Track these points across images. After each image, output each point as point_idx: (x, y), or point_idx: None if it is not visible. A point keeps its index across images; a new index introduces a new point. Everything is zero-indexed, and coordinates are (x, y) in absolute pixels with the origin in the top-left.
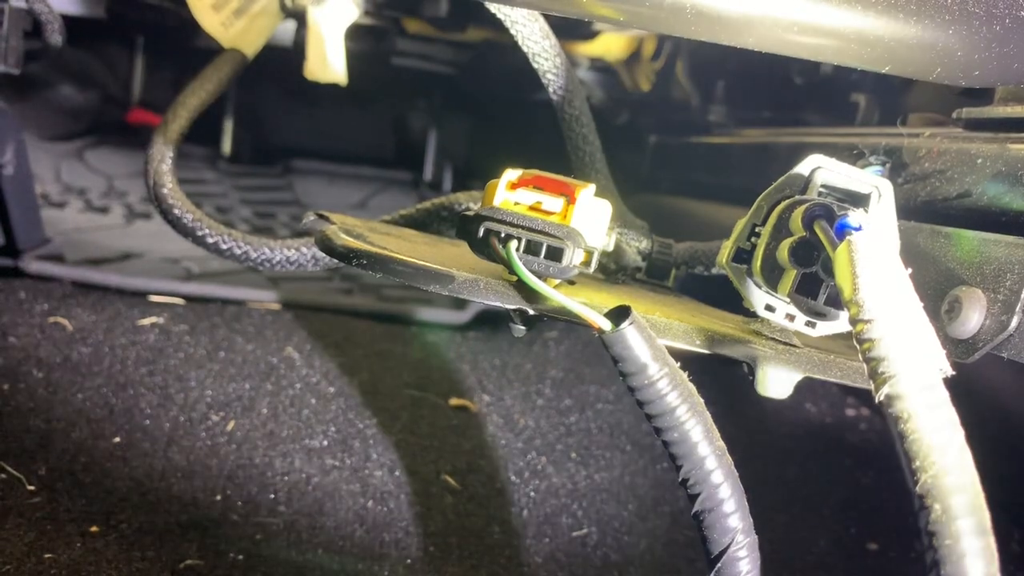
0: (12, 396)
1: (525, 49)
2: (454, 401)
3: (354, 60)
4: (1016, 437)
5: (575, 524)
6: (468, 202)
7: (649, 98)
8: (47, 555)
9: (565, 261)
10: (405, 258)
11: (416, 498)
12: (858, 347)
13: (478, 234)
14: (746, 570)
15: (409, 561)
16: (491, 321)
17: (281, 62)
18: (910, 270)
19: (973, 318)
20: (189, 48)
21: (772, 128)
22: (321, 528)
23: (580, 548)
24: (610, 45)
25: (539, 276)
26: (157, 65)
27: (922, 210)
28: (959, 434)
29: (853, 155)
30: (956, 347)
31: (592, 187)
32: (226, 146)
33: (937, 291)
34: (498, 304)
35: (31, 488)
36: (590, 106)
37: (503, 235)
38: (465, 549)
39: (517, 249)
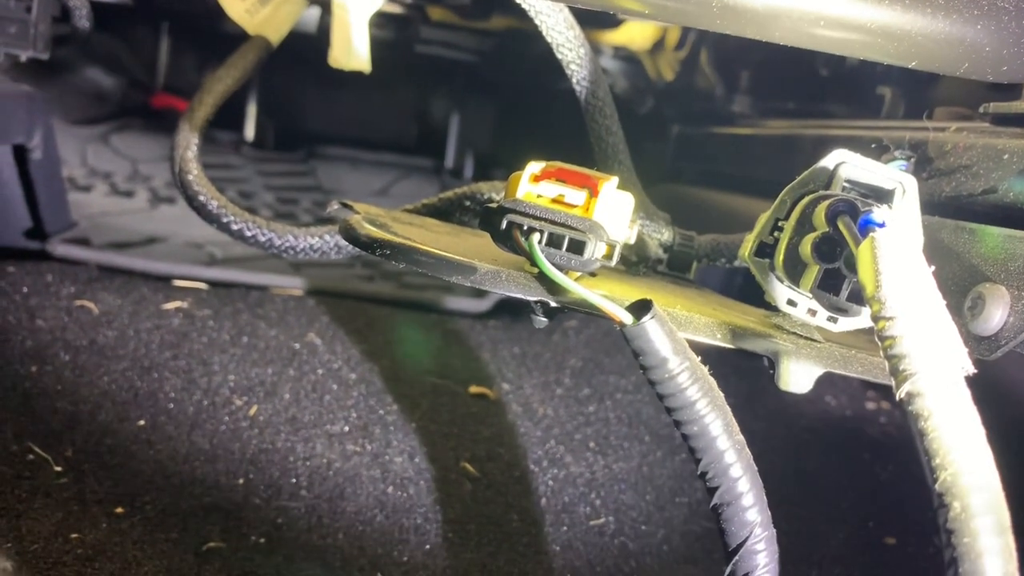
0: (39, 378)
1: (549, 39)
2: (474, 389)
3: (378, 48)
4: None
5: (593, 513)
6: (491, 193)
7: (673, 88)
8: (73, 535)
9: (587, 254)
10: (428, 248)
11: (435, 485)
12: (880, 344)
13: (501, 226)
14: (764, 563)
15: (428, 547)
16: (511, 310)
17: (306, 49)
18: (933, 267)
19: (996, 315)
20: (214, 33)
21: (797, 120)
22: (342, 513)
23: (597, 537)
24: (634, 34)
25: (561, 269)
26: (182, 50)
27: (947, 205)
28: (980, 432)
29: (875, 149)
30: (979, 344)
31: (615, 180)
32: (250, 132)
33: (960, 287)
34: (520, 296)
35: (58, 469)
36: (613, 96)
37: (525, 227)
38: (483, 536)
39: (539, 242)
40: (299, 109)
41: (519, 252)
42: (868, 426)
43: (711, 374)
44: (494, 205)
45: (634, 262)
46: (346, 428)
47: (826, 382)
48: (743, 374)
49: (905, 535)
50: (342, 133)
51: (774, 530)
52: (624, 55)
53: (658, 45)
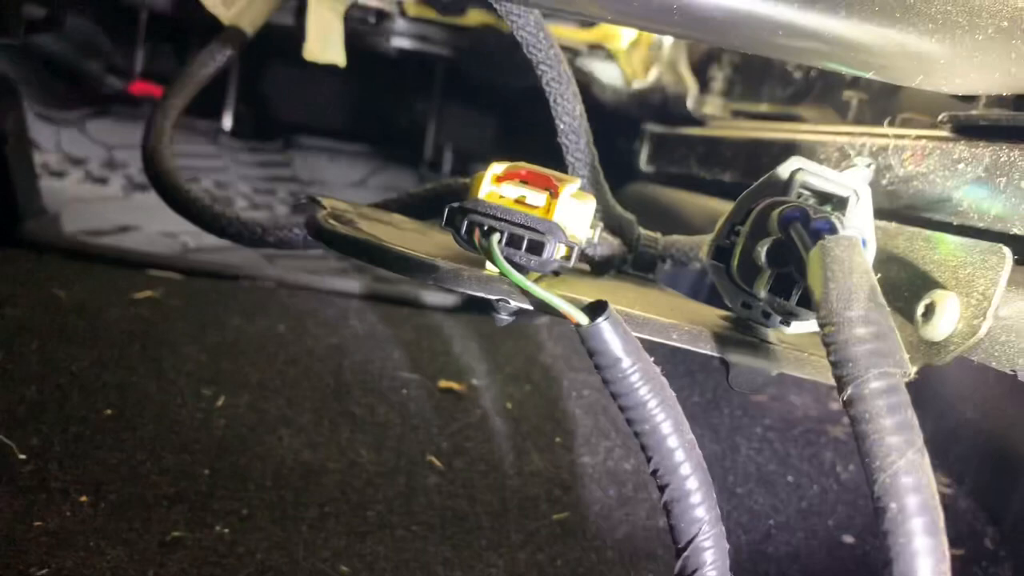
0: (6, 365)
1: (519, 39)
2: (443, 383)
3: (355, 41)
4: (994, 439)
5: (556, 507)
6: (460, 191)
7: (646, 87)
8: (36, 523)
9: (546, 255)
10: (391, 246)
11: (401, 478)
12: (825, 348)
13: (462, 226)
14: (711, 560)
15: (392, 540)
16: (482, 306)
17: (284, 40)
18: (879, 275)
19: (946, 322)
20: (192, 22)
21: (765, 122)
22: (306, 504)
23: (560, 531)
24: (609, 32)
25: (520, 269)
26: (160, 37)
27: (904, 212)
28: (918, 437)
29: (837, 155)
30: (929, 350)
31: (576, 183)
32: (228, 121)
33: (914, 293)
34: (480, 294)
35: (22, 457)
36: (585, 94)
37: (486, 228)
38: (448, 529)
39: (499, 242)
40: (277, 99)
41: (479, 252)
42: (831, 426)
43: (678, 371)
44: (456, 205)
45: (598, 263)
46: (313, 420)
47: (791, 381)
48: (710, 371)
49: (863, 534)
50: (320, 124)
51: (723, 527)
52: (599, 53)
53: (633, 44)
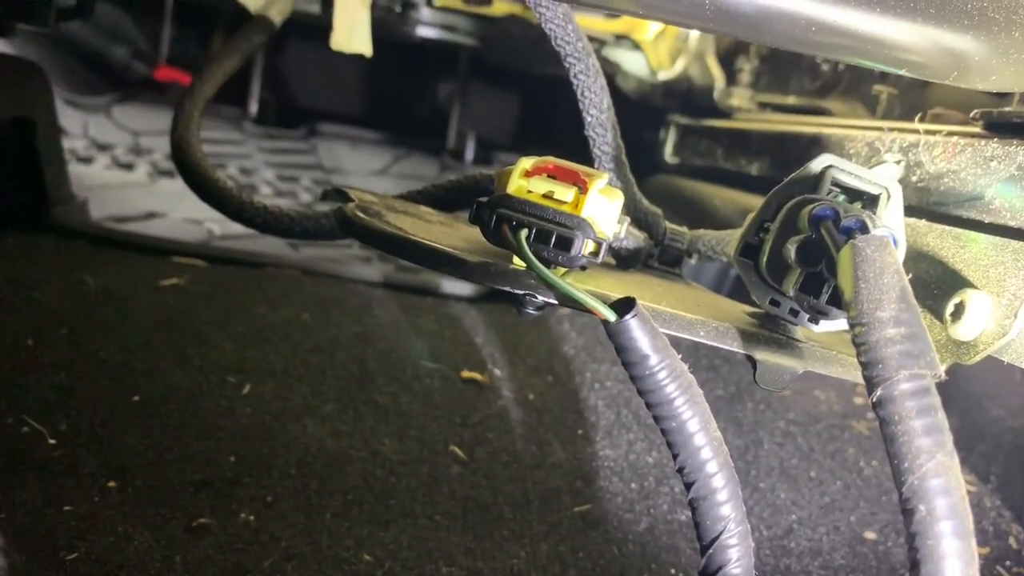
0: (35, 352)
1: (548, 31)
2: (466, 374)
3: (380, 30)
4: (1020, 438)
5: (578, 499)
6: (485, 183)
7: (672, 78)
8: (66, 507)
9: (574, 251)
10: (420, 240)
11: (424, 468)
12: (855, 348)
13: (491, 221)
14: (736, 557)
15: (415, 529)
16: (506, 297)
17: (310, 28)
18: (910, 275)
19: (976, 321)
20: (218, 7)
21: (793, 115)
22: (330, 493)
23: (581, 523)
24: (635, 23)
25: (548, 264)
26: (186, 23)
27: (934, 209)
28: (948, 439)
29: (867, 151)
30: (958, 349)
31: (605, 178)
32: (253, 107)
33: (944, 292)
34: (508, 289)
35: (52, 442)
36: (612, 85)
37: (514, 223)
38: (470, 519)
39: (527, 237)
40: (302, 86)
41: (508, 247)
42: (854, 421)
43: (701, 364)
44: (484, 200)
45: (624, 256)
46: (337, 409)
47: (815, 377)
48: (734, 364)
49: (885, 530)
50: (344, 111)
51: (748, 525)
52: (625, 43)
53: (660, 35)
